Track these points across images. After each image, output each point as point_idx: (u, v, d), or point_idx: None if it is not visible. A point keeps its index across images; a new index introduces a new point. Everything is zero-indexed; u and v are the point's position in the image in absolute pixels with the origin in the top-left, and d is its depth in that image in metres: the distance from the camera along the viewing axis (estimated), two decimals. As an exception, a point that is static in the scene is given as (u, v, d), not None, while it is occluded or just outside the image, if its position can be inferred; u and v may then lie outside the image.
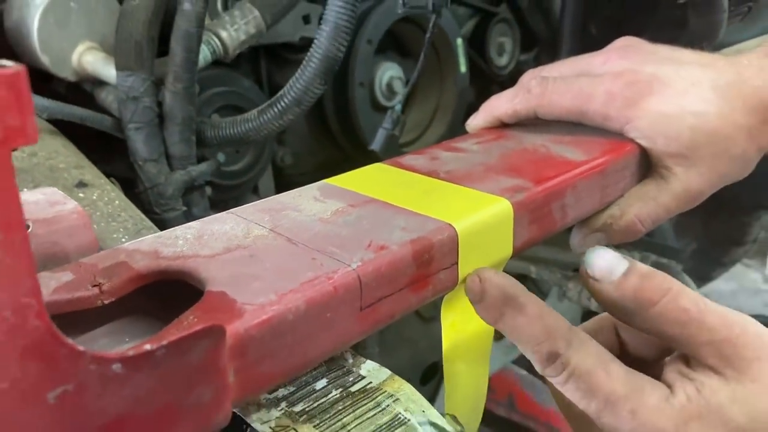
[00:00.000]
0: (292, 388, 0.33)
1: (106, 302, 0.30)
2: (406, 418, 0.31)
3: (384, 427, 0.31)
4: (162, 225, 0.52)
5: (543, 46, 1.01)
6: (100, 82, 0.62)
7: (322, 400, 0.32)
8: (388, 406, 0.32)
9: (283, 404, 0.32)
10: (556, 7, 0.96)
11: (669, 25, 0.71)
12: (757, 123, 0.45)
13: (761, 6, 0.81)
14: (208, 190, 0.66)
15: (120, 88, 0.57)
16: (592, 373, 0.32)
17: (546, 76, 0.50)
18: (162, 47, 0.60)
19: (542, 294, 0.86)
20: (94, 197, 0.49)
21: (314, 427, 0.30)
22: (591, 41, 0.83)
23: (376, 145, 0.58)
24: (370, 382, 0.33)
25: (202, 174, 0.60)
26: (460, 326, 0.37)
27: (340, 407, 0.31)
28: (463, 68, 0.91)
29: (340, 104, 0.83)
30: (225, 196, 0.75)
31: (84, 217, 0.32)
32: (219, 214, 0.36)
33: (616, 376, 0.32)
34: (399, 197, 0.37)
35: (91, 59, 0.60)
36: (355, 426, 0.30)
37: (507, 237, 0.37)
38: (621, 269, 0.34)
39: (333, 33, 0.54)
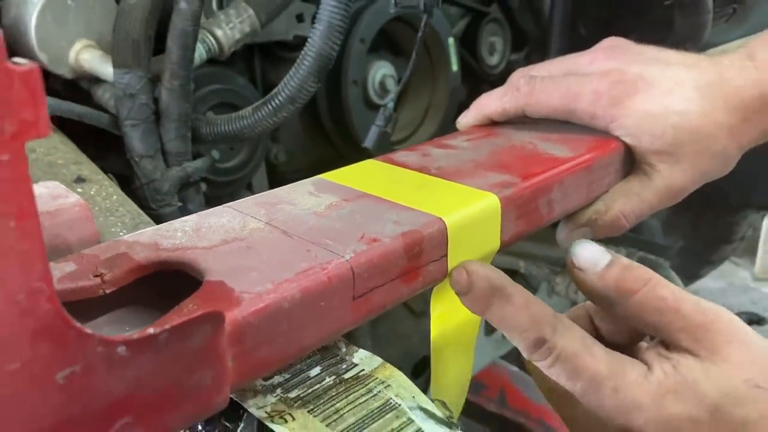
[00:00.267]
0: (287, 375, 0.34)
1: (107, 292, 0.31)
2: (396, 403, 0.32)
3: (376, 411, 0.32)
4: (158, 220, 0.53)
5: (533, 45, 1.02)
6: (96, 80, 0.63)
7: (316, 386, 0.33)
8: (379, 392, 0.33)
9: (279, 390, 0.33)
10: (546, 7, 0.98)
11: (656, 26, 0.73)
12: (737, 122, 0.46)
13: (747, 8, 0.83)
14: (203, 186, 0.67)
15: (117, 86, 0.58)
16: (578, 356, 0.34)
17: (534, 75, 0.51)
18: (158, 45, 0.61)
19: (532, 289, 0.88)
20: (93, 192, 0.50)
21: (308, 412, 0.32)
22: (580, 41, 0.84)
23: (368, 142, 0.59)
24: (363, 370, 0.34)
25: (198, 170, 0.61)
26: (448, 316, 0.38)
27: (333, 393, 0.33)
28: (454, 67, 0.92)
29: (333, 102, 0.84)
30: (219, 192, 0.76)
31: (86, 210, 0.33)
32: (216, 207, 0.37)
33: (599, 357, 0.34)
34: (391, 192, 0.38)
35: (88, 57, 0.61)
36: (348, 411, 0.31)
37: (495, 231, 0.38)
38: (604, 261, 0.36)
39: (327, 32, 0.55)
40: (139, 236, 0.33)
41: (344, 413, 0.31)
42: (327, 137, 0.88)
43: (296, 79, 0.57)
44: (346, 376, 0.34)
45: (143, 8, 0.56)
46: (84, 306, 0.31)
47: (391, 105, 0.59)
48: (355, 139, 0.84)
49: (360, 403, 0.32)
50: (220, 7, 0.69)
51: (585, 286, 0.37)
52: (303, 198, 0.38)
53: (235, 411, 0.32)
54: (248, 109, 0.60)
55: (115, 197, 0.50)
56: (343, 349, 0.36)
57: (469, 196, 0.38)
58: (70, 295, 0.30)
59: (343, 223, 0.35)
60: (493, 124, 0.53)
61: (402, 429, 0.31)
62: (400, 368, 0.35)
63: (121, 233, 0.46)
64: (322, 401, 0.32)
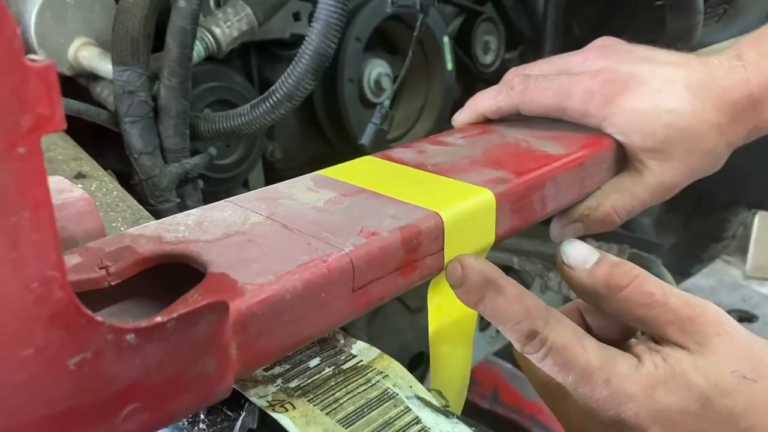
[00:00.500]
0: (287, 366, 0.35)
1: (112, 284, 0.32)
2: (394, 392, 0.33)
3: (374, 400, 0.33)
4: (157, 216, 0.53)
5: (527, 44, 1.03)
6: (95, 77, 0.63)
7: (316, 377, 0.34)
8: (377, 382, 0.34)
9: (279, 381, 0.34)
10: (540, 7, 0.99)
11: (648, 26, 0.74)
12: (726, 120, 0.47)
13: (737, 9, 0.84)
14: (200, 182, 0.68)
15: (116, 83, 0.58)
16: (569, 348, 0.34)
17: (528, 73, 0.52)
18: (157, 43, 0.61)
19: (525, 285, 0.89)
20: (93, 188, 0.51)
21: (308, 401, 0.32)
22: (573, 41, 0.85)
23: (365, 139, 0.60)
24: (361, 360, 0.35)
25: (196, 166, 0.62)
26: (446, 309, 0.39)
27: (332, 383, 0.33)
28: (449, 66, 0.93)
29: (329, 100, 0.85)
30: (216, 189, 0.76)
31: (90, 204, 0.34)
32: (217, 202, 0.37)
33: (590, 349, 0.35)
34: (388, 187, 0.39)
35: (87, 54, 0.61)
36: (347, 400, 0.32)
37: (490, 225, 0.39)
38: (593, 259, 0.37)
39: (324, 30, 0.56)
40: (143, 230, 0.34)
41: (343, 402, 0.32)
42: (323, 135, 0.89)
43: (293, 77, 0.57)
44: (345, 366, 0.35)
45: (142, 6, 0.57)
46: (89, 297, 0.31)
47: (387, 103, 0.60)
48: (351, 136, 0.84)
49: (359, 393, 0.33)
50: (218, 5, 0.69)
51: (575, 283, 0.38)
52: (302, 193, 0.39)
53: (236, 400, 0.32)
54: (246, 106, 0.61)
55: (115, 193, 0.51)
56: (342, 341, 0.37)
57: (465, 191, 0.39)
58: (76, 287, 0.30)
59: (342, 217, 0.36)
60: (487, 121, 0.54)
61: (400, 417, 0.32)
62: (395, 363, 0.35)
63: (122, 228, 0.47)
64: (321, 391, 0.33)
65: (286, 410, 0.31)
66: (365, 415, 0.32)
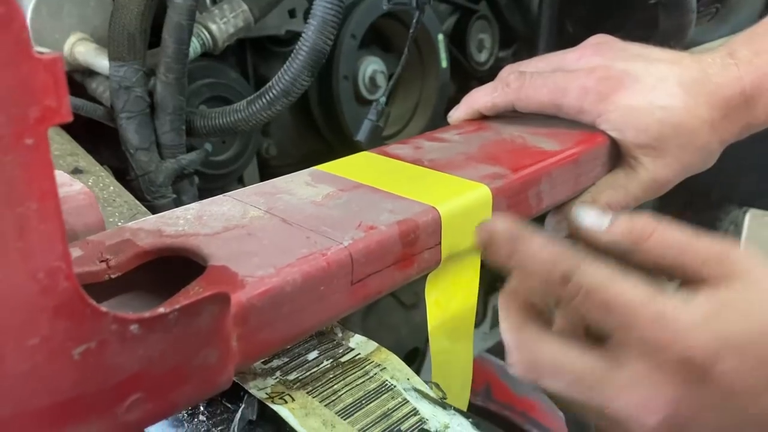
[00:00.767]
0: (285, 359, 0.35)
1: (112, 277, 0.32)
2: (392, 384, 0.34)
3: (372, 392, 0.33)
4: (153, 212, 0.53)
5: (521, 42, 1.03)
6: (90, 73, 0.63)
7: (314, 369, 0.34)
8: (375, 374, 0.34)
9: (278, 373, 0.34)
10: (534, 5, 0.99)
11: (641, 24, 0.74)
12: (719, 117, 0.48)
13: (729, 8, 0.85)
14: (196, 179, 0.68)
15: (112, 78, 0.58)
16: (608, 286, 0.32)
17: (524, 71, 0.52)
18: (153, 39, 0.61)
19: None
20: (90, 183, 0.51)
21: (307, 393, 0.33)
22: (568, 39, 0.86)
23: (361, 135, 0.60)
24: (359, 354, 0.36)
25: (192, 162, 0.62)
26: (444, 303, 0.40)
27: (331, 376, 0.34)
28: (444, 63, 0.93)
29: (324, 97, 0.85)
30: (211, 185, 0.76)
31: (90, 198, 0.34)
32: (216, 196, 0.38)
33: (630, 284, 0.32)
34: (386, 183, 0.39)
35: (83, 50, 0.61)
36: (346, 392, 0.33)
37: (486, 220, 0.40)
38: (608, 218, 0.37)
39: (320, 27, 0.56)
40: (143, 223, 0.34)
41: (342, 394, 0.33)
42: (317, 131, 0.89)
43: (290, 73, 0.58)
44: (343, 359, 0.35)
45: (139, 2, 0.57)
46: (90, 290, 0.31)
47: (383, 100, 0.60)
48: (346, 133, 0.85)
49: (357, 385, 0.33)
50: (214, 2, 0.69)
51: (597, 244, 0.36)
52: (301, 188, 0.39)
53: (235, 393, 0.33)
54: (242, 102, 0.61)
55: (112, 188, 0.51)
56: (340, 334, 0.37)
57: (462, 186, 0.39)
58: (77, 280, 0.31)
59: (341, 211, 0.36)
60: (483, 118, 0.54)
61: (397, 409, 0.32)
62: (389, 360, 0.36)
63: (120, 223, 0.47)
64: (320, 383, 0.33)
65: (286, 402, 0.32)
66: (363, 407, 0.32)
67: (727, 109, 0.48)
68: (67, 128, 0.60)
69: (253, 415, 0.32)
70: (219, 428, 0.32)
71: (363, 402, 0.32)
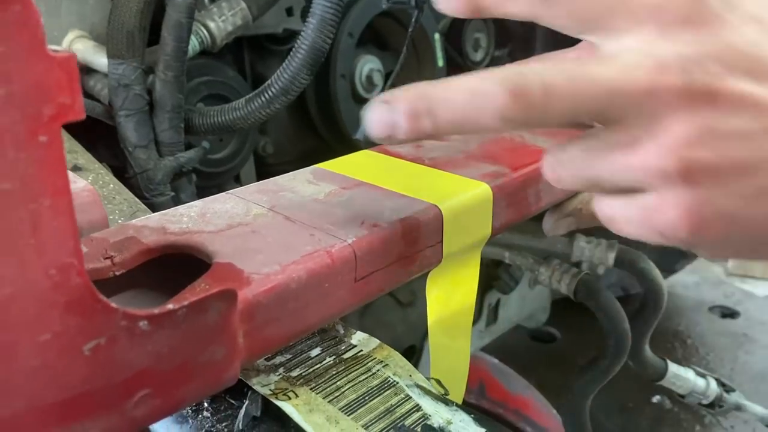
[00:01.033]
0: (288, 356, 0.35)
1: (117, 273, 0.32)
2: (395, 381, 0.34)
3: (375, 389, 0.33)
4: (152, 209, 0.54)
5: (517, 42, 1.04)
6: (89, 70, 0.63)
7: (317, 366, 0.34)
8: (378, 371, 0.34)
9: (281, 370, 0.34)
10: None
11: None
12: None
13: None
14: (193, 176, 0.68)
15: (111, 76, 0.58)
16: None
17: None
18: (151, 36, 0.61)
19: (515, 280, 0.90)
20: (89, 181, 0.51)
21: (311, 389, 0.33)
22: (564, 38, 0.86)
23: (359, 134, 0.61)
24: (361, 350, 0.36)
25: (190, 160, 0.62)
26: (444, 301, 0.40)
27: (333, 372, 0.34)
28: (440, 62, 0.94)
29: (321, 95, 0.85)
30: (208, 183, 0.76)
31: (94, 195, 0.34)
32: (219, 194, 0.38)
33: None
34: (387, 181, 0.40)
35: (81, 47, 0.61)
36: (349, 388, 0.33)
37: (487, 218, 0.40)
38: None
39: (319, 26, 0.56)
40: (147, 221, 0.34)
41: (345, 390, 0.33)
42: (314, 130, 0.89)
43: (289, 72, 0.58)
44: (346, 356, 0.35)
45: (138, 0, 0.57)
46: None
47: (382, 98, 0.60)
48: (343, 131, 0.85)
49: (360, 381, 0.34)
50: (212, 0, 0.69)
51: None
52: (303, 186, 0.39)
53: (239, 389, 0.33)
54: (241, 100, 0.61)
55: (111, 186, 0.51)
56: (341, 331, 0.37)
57: (463, 185, 0.40)
58: (82, 276, 0.31)
59: (343, 209, 0.36)
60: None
61: (401, 404, 0.32)
62: (386, 357, 0.36)
63: (120, 221, 0.47)
64: (323, 380, 0.33)
65: (289, 398, 0.32)
66: (367, 403, 0.32)
67: None
68: (64, 125, 0.60)
69: (257, 411, 0.32)
70: (223, 424, 0.32)
71: (366, 398, 0.33)
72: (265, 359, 0.34)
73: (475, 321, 1.00)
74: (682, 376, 0.72)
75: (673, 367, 0.72)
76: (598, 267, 0.66)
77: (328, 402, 0.32)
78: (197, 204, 0.36)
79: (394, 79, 0.62)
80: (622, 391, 1.36)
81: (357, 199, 0.37)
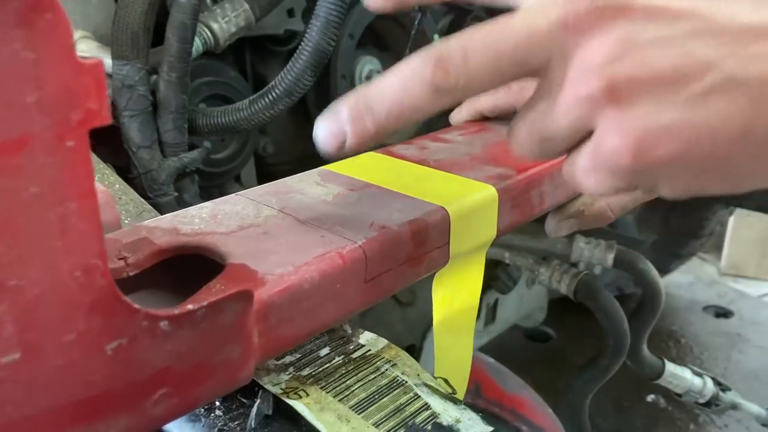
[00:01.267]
0: (298, 355, 0.36)
1: (130, 274, 0.32)
2: (403, 380, 0.34)
3: (384, 388, 0.34)
4: (156, 210, 0.54)
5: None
6: (92, 70, 0.64)
7: (327, 365, 0.35)
8: (386, 370, 0.35)
9: (291, 369, 0.35)
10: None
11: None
12: None
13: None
14: (196, 177, 0.69)
15: (115, 77, 0.59)
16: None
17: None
18: (155, 37, 0.62)
19: (513, 280, 0.91)
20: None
21: (321, 388, 0.33)
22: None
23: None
24: (369, 350, 0.36)
25: (194, 161, 0.63)
26: (449, 301, 0.41)
27: (343, 371, 0.35)
28: (439, 63, 0.94)
29: (321, 96, 0.85)
30: (209, 183, 0.77)
31: (107, 196, 0.34)
32: (228, 196, 0.38)
33: None
34: (394, 183, 0.40)
35: (85, 48, 0.62)
36: (359, 387, 0.33)
37: (492, 220, 0.40)
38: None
39: (324, 27, 0.57)
40: (159, 222, 0.35)
41: (355, 389, 0.33)
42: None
43: (293, 73, 0.58)
44: (354, 355, 0.36)
45: (143, 1, 0.57)
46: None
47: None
48: (343, 132, 0.85)
49: (369, 380, 0.34)
50: (215, 1, 0.70)
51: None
52: (311, 187, 0.40)
53: (250, 388, 0.33)
54: (245, 101, 0.62)
55: (117, 186, 0.51)
56: (349, 331, 0.38)
57: (469, 187, 0.40)
58: (97, 277, 0.31)
59: (352, 211, 0.37)
60: (484, 119, 0.55)
61: (410, 403, 0.33)
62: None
63: (126, 221, 0.47)
64: (333, 379, 0.34)
65: (300, 397, 0.32)
66: (376, 402, 0.33)
67: None
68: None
69: (268, 409, 0.32)
70: (236, 423, 0.32)
71: (376, 397, 0.33)
72: (275, 359, 0.35)
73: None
74: (679, 375, 0.73)
75: (670, 367, 0.73)
76: (595, 267, 0.67)
77: (339, 401, 0.33)
78: (208, 205, 0.37)
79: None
80: (616, 391, 1.37)
81: (365, 201, 0.38)
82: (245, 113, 0.61)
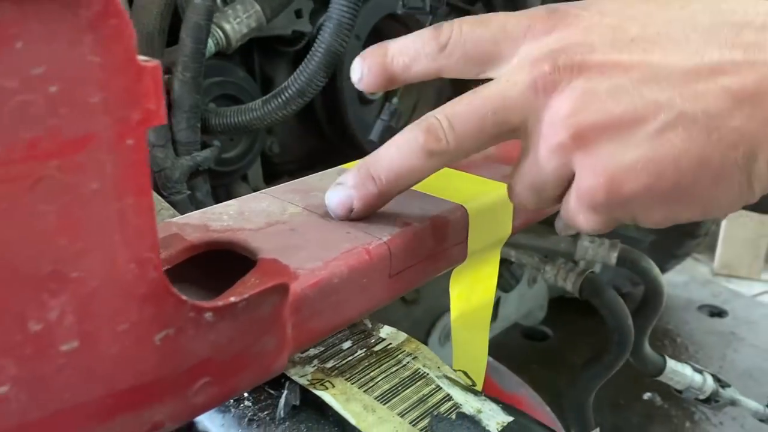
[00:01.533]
0: (321, 348, 0.37)
1: (164, 269, 0.33)
2: (425, 372, 0.35)
3: (406, 379, 0.35)
4: (170, 207, 0.55)
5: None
6: (105, 70, 0.64)
7: (350, 358, 0.36)
8: (408, 363, 0.36)
9: (315, 362, 0.36)
10: (530, 7, 1.01)
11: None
12: None
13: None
14: (207, 175, 0.70)
15: (131, 76, 0.59)
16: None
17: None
18: (168, 37, 0.63)
19: (515, 278, 0.92)
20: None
21: (346, 380, 0.35)
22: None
23: (374, 135, 0.62)
24: (390, 344, 0.37)
25: (206, 159, 0.64)
26: (466, 297, 0.42)
27: (366, 364, 0.36)
28: (442, 65, 0.95)
29: (328, 96, 0.86)
30: (217, 182, 0.78)
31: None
32: (253, 194, 0.39)
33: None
34: None
35: (99, 47, 0.62)
36: (382, 379, 0.35)
37: (507, 218, 0.42)
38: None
39: (336, 29, 0.58)
40: (188, 219, 0.36)
41: (379, 381, 0.35)
42: (320, 130, 0.91)
43: (306, 74, 0.59)
44: (376, 348, 0.37)
45: (159, 2, 0.58)
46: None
47: (395, 101, 0.62)
48: (348, 132, 0.86)
49: (392, 372, 0.35)
50: (225, 3, 0.71)
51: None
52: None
53: (276, 380, 0.34)
54: (258, 101, 0.63)
55: (135, 184, 0.52)
56: (369, 325, 0.39)
57: (486, 186, 0.41)
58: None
59: None
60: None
61: (432, 395, 0.34)
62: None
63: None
64: (357, 371, 0.35)
65: (326, 388, 0.34)
66: (400, 393, 0.34)
67: None
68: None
69: (296, 400, 0.33)
70: (265, 413, 0.33)
71: (399, 388, 0.34)
72: (300, 352, 0.36)
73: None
74: (679, 372, 0.75)
75: (671, 363, 0.74)
76: (595, 265, 0.69)
77: (364, 392, 0.34)
78: (234, 203, 0.38)
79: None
80: (613, 389, 1.39)
81: None
82: (258, 113, 0.62)
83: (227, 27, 0.65)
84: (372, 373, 0.35)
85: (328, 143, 0.92)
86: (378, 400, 0.34)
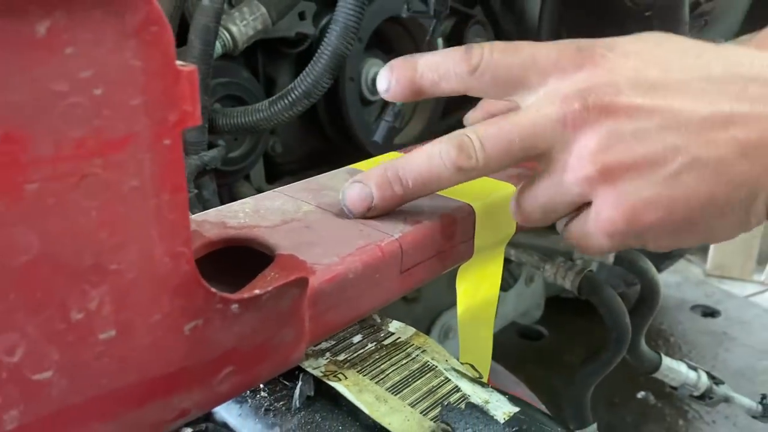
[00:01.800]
0: (332, 342, 0.38)
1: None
2: (433, 365, 0.37)
3: (416, 372, 0.36)
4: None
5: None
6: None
7: (360, 351, 0.37)
8: (417, 356, 0.37)
9: (328, 354, 0.37)
10: (528, 11, 1.03)
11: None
12: None
13: (715, 17, 0.90)
14: (214, 175, 0.71)
15: (140, 77, 0.61)
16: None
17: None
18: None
19: (514, 278, 0.94)
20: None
21: (358, 372, 0.36)
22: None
23: (378, 136, 0.63)
24: (399, 337, 0.39)
25: (213, 159, 0.65)
26: (472, 293, 0.43)
27: (376, 357, 0.37)
28: (443, 67, 0.96)
29: (329, 97, 0.87)
30: (221, 181, 0.79)
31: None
32: (267, 192, 0.41)
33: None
34: None
35: (108, 48, 0.63)
36: (393, 371, 0.36)
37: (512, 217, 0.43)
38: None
39: (342, 32, 0.59)
40: (206, 216, 0.37)
41: (389, 373, 0.36)
42: (322, 130, 0.92)
43: (312, 76, 0.61)
44: (386, 342, 0.38)
45: (169, 5, 0.59)
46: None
47: (399, 103, 0.63)
48: (350, 132, 0.88)
49: (402, 365, 0.37)
50: (231, 5, 0.72)
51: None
52: (342, 185, 0.42)
53: (291, 372, 0.36)
54: (264, 102, 0.64)
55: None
56: (378, 320, 0.40)
57: (492, 186, 0.43)
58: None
59: None
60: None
61: (441, 386, 0.36)
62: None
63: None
64: (368, 363, 0.36)
65: (340, 380, 0.35)
66: (410, 384, 0.35)
67: None
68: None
69: (311, 391, 0.35)
70: (280, 403, 0.35)
71: (409, 380, 0.36)
72: (312, 345, 0.37)
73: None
74: (675, 369, 0.76)
75: (666, 361, 0.76)
76: (591, 263, 0.70)
77: (375, 383, 0.35)
78: (249, 201, 0.39)
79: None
80: (607, 387, 1.40)
81: None
82: (265, 114, 0.63)
83: (234, 29, 0.66)
84: (383, 366, 0.36)
85: (330, 143, 0.94)
86: (389, 391, 0.35)
